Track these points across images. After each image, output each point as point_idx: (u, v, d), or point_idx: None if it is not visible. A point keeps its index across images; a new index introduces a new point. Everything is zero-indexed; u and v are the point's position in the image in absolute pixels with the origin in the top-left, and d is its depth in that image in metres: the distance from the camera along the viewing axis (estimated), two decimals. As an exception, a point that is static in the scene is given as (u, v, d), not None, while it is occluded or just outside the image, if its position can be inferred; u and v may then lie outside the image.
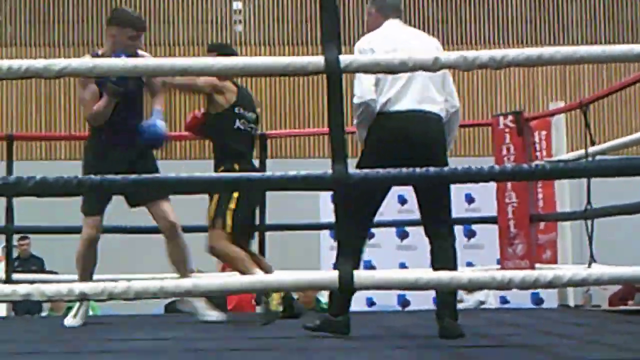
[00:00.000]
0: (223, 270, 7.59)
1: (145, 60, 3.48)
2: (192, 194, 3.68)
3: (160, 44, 13.19)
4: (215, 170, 5.71)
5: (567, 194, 7.33)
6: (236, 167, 5.67)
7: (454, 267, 4.37)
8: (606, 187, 5.75)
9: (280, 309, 5.60)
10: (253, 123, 5.90)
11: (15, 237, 10.14)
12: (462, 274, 3.59)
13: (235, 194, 5.65)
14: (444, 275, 3.61)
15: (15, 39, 13.56)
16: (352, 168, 3.52)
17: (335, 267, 3.48)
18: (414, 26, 5.11)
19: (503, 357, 3.76)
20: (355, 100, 4.53)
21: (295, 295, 6.33)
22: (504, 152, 7.16)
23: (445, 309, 4.35)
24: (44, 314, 9.89)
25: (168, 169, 4.41)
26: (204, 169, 4.96)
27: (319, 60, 3.47)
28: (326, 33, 3.52)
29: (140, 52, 5.44)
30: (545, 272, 3.56)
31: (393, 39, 4.53)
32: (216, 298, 7.55)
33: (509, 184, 6.94)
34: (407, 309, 8.95)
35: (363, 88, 4.50)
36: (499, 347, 4.12)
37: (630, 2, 14.13)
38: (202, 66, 3.59)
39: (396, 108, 4.45)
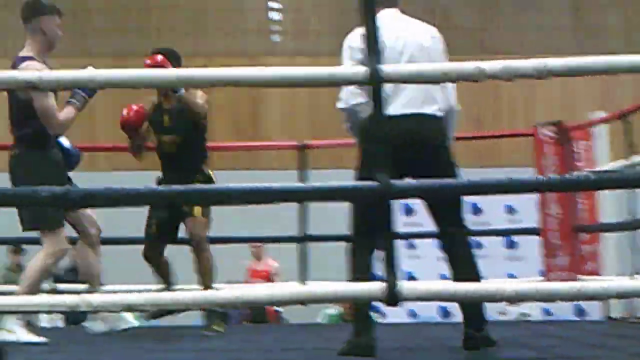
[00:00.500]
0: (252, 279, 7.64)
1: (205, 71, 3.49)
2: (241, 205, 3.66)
3: (198, 55, 13.22)
4: (192, 178, 5.78)
5: (609, 205, 7.28)
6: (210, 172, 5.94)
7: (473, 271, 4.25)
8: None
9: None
10: None
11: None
12: (507, 285, 3.56)
13: None
14: (489, 286, 3.59)
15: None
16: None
17: (376, 278, 3.47)
18: (449, 34, 4.94)
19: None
20: (339, 105, 4.36)
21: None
22: (545, 162, 7.11)
23: (468, 319, 4.26)
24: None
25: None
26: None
27: (362, 70, 3.47)
28: (367, 44, 3.51)
29: None
30: (589, 283, 3.54)
31: (384, 32, 4.00)
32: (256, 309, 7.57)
33: (551, 195, 6.88)
34: (448, 320, 8.91)
35: (346, 91, 4.31)
36: (544, 359, 4.09)
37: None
38: (248, 76, 3.57)
39: (390, 112, 4.09)
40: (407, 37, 4.32)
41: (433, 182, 3.60)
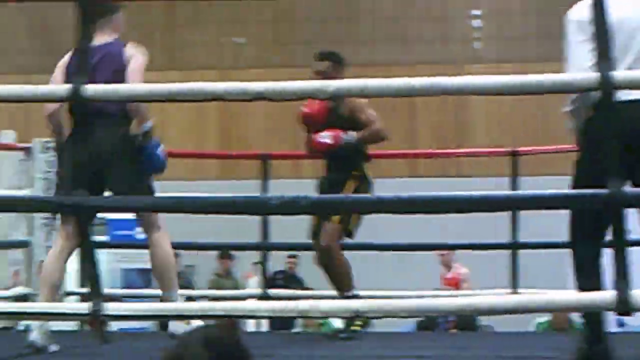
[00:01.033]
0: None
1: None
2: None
3: (400, 64, 13.31)
4: (343, 183, 5.59)
5: None
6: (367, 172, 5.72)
7: None
8: None
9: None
10: None
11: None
12: None
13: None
14: None
15: (259, 60, 14.01)
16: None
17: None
18: None
19: None
20: (566, 108, 3.81)
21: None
22: None
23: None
24: (297, 329, 10.13)
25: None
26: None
27: (592, 77, 3.36)
28: (598, 49, 3.41)
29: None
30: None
31: (613, 11, 3.47)
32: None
33: None
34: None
35: (579, 64, 3.65)
36: None
37: None
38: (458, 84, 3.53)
39: (630, 97, 3.54)
40: (628, 14, 3.70)
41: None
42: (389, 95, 3.31)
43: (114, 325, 6.85)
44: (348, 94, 3.36)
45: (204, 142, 13.70)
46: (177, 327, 4.19)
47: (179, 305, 3.64)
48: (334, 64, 5.82)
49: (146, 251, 11.68)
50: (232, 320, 3.34)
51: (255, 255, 11.88)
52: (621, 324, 9.11)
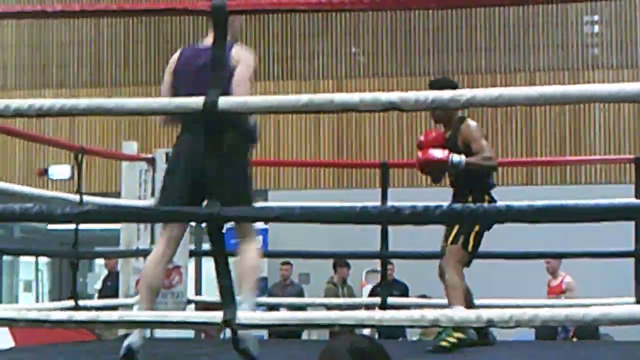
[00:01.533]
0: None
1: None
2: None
3: (521, 71, 13.23)
4: (463, 198, 5.61)
5: None
6: (486, 197, 5.63)
7: None
8: None
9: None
10: None
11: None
12: None
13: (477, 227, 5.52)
14: None
15: (374, 69, 14.03)
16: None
17: None
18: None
19: None
20: None
21: None
22: None
23: None
24: (414, 338, 10.11)
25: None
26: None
27: None
28: None
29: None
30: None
31: None
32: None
33: None
34: None
35: None
36: None
37: None
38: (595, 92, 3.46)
39: None
40: None
41: None
42: (521, 103, 3.27)
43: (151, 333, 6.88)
44: (481, 104, 3.33)
45: (319, 151, 13.78)
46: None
47: (309, 315, 3.66)
48: None
49: (262, 260, 11.83)
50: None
51: (368, 264, 12.06)
52: None
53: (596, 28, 13.66)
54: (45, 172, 14.11)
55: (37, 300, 17.38)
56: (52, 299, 17.08)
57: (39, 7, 4.20)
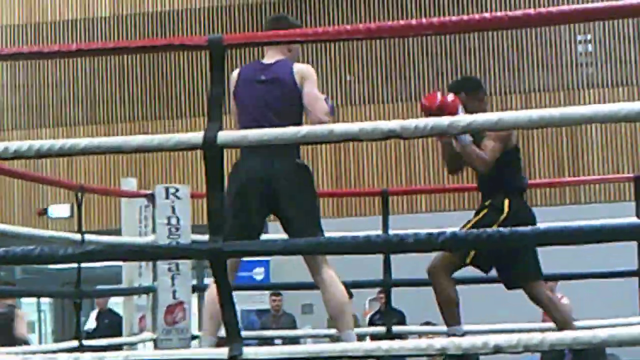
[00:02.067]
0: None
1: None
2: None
3: (515, 92, 13.28)
4: (482, 207, 5.43)
5: None
6: (505, 202, 5.35)
7: None
8: None
9: None
10: None
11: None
12: None
13: (495, 227, 5.15)
14: None
15: (369, 96, 14.07)
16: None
17: None
18: None
19: None
20: None
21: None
22: None
23: None
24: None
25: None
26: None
27: None
28: None
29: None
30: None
31: None
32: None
33: None
34: None
35: None
36: None
37: None
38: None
39: None
40: None
41: None
42: (523, 127, 3.26)
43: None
44: (480, 128, 3.33)
45: (318, 181, 13.79)
46: None
47: (316, 348, 3.63)
48: (467, 92, 5.48)
49: (264, 292, 11.71)
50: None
51: (371, 293, 12.02)
52: None
53: (589, 47, 13.71)
54: (45, 211, 14.11)
55: (40, 342, 17.29)
56: (55, 340, 17.00)
57: (35, 48, 4.22)
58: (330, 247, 3.59)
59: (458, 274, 5.45)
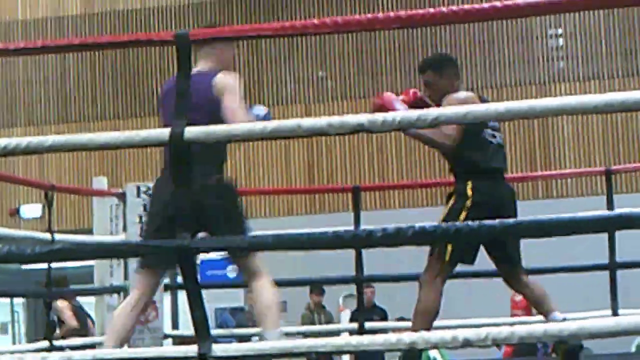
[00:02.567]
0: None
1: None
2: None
3: (488, 87, 13.30)
4: (448, 200, 5.26)
5: None
6: (468, 185, 5.12)
7: None
8: None
9: None
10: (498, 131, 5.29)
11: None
12: None
13: (463, 216, 5.05)
14: None
15: (342, 92, 14.06)
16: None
17: None
18: None
19: None
20: None
21: None
22: None
23: None
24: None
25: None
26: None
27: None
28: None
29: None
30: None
31: None
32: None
33: None
34: None
35: None
36: None
37: None
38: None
39: None
40: None
41: None
42: (490, 120, 3.26)
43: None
44: (448, 122, 3.32)
45: (291, 178, 13.77)
46: None
47: (286, 344, 3.62)
48: (435, 71, 5.29)
49: (238, 290, 11.59)
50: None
51: (345, 289, 12.00)
52: None
53: (561, 41, 13.76)
54: (17, 211, 14.02)
55: (13, 342, 17.19)
56: (29, 340, 16.90)
57: (1, 45, 4.17)
58: (299, 242, 3.57)
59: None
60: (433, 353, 9.68)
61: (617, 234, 6.26)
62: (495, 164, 5.21)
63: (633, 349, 10.17)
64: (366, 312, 10.77)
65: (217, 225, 4.36)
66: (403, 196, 13.19)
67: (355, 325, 7.24)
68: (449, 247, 5.03)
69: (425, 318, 5.02)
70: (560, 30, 13.77)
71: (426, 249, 5.08)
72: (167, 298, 9.02)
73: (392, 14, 3.51)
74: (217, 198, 4.45)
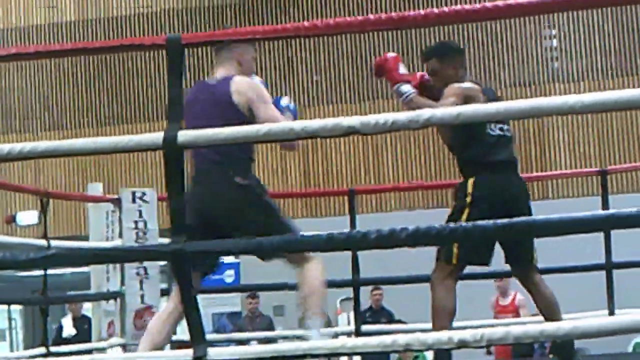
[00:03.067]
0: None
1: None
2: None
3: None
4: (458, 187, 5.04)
5: None
6: (469, 182, 4.95)
7: None
8: None
9: None
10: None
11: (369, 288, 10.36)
12: None
13: (465, 214, 4.89)
14: None
15: (336, 96, 14.06)
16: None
17: None
18: None
19: None
20: None
21: None
22: None
23: None
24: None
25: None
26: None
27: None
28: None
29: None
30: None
31: None
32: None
33: None
34: None
35: None
36: None
37: None
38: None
39: None
40: None
41: None
42: (483, 120, 3.26)
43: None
44: (440, 122, 3.32)
45: (286, 181, 13.77)
46: None
47: (279, 347, 3.62)
48: (440, 58, 5.14)
49: (234, 295, 11.59)
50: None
51: (343, 292, 11.98)
52: None
53: (555, 42, 13.75)
54: (13, 219, 14.00)
55: (11, 349, 17.19)
56: (26, 347, 16.90)
57: (-9, 52, 4.17)
58: (293, 245, 3.57)
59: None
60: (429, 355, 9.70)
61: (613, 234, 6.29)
62: (499, 157, 5.01)
63: (630, 349, 10.18)
64: (373, 315, 10.82)
65: (249, 225, 4.36)
66: (401, 199, 13.18)
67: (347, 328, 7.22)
68: (455, 249, 4.89)
69: (442, 318, 4.87)
70: (554, 31, 13.78)
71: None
72: (163, 303, 9.00)
73: (383, 15, 3.51)
74: (247, 197, 4.51)
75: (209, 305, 12.50)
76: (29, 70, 14.77)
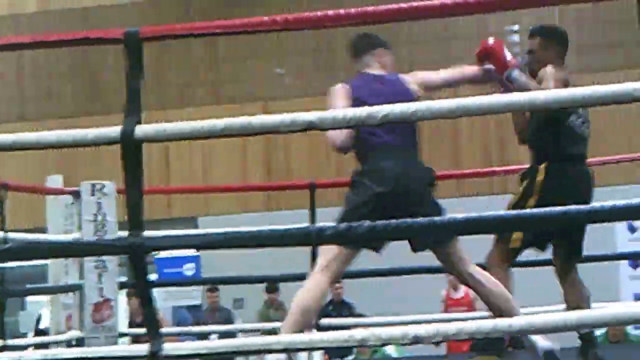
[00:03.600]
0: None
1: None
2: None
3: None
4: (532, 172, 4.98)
5: None
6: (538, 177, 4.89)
7: None
8: None
9: None
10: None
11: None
12: None
13: (533, 200, 4.84)
14: None
15: (300, 90, 14.05)
16: None
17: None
18: None
19: None
20: None
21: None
22: None
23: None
24: (351, 357, 10.13)
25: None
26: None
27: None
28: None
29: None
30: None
31: None
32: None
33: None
34: None
35: None
36: None
37: None
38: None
39: None
40: None
41: None
42: (478, 114, 3.28)
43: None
44: (400, 119, 3.33)
45: (247, 175, 13.75)
46: None
47: (238, 342, 3.62)
48: (544, 40, 5.13)
49: (195, 288, 11.54)
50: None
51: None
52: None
53: (517, 37, 13.80)
54: (-30, 211, 13.87)
55: (-31, 342, 17.05)
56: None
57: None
58: (250, 240, 3.57)
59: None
60: (389, 349, 9.76)
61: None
62: (574, 151, 4.99)
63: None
64: (335, 307, 10.87)
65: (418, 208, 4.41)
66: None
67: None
68: (515, 234, 4.87)
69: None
70: (516, 27, 13.82)
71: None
72: (122, 296, 8.98)
73: (342, 11, 3.52)
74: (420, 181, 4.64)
75: (169, 298, 12.49)
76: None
